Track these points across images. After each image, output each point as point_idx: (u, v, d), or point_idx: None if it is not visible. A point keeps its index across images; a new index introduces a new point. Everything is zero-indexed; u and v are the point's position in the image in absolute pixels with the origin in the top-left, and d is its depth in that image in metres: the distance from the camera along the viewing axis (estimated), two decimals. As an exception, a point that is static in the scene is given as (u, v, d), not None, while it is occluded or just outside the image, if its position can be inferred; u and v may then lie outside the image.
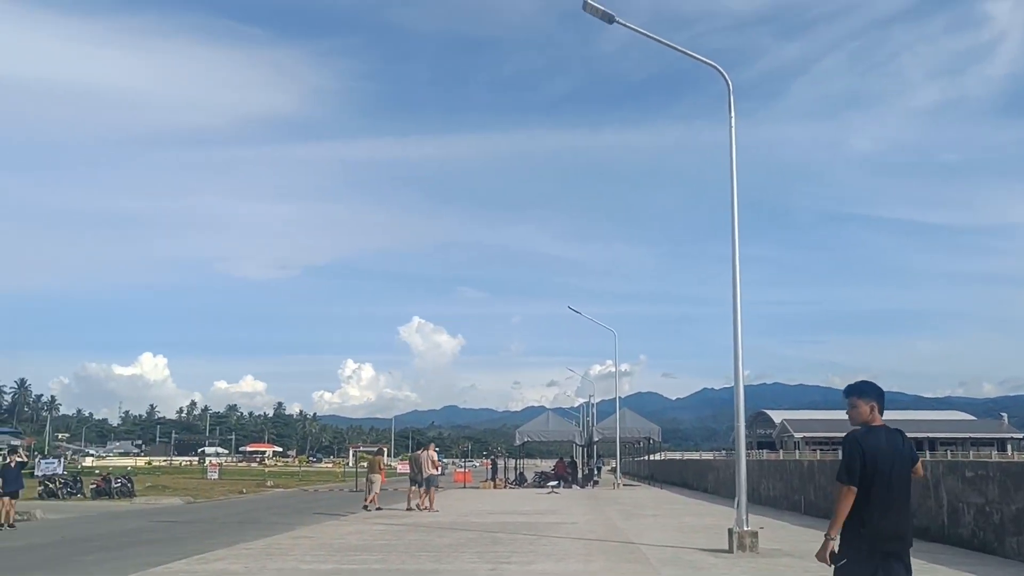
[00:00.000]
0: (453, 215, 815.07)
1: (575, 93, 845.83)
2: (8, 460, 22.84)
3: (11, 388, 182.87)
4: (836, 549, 5.26)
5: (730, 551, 13.55)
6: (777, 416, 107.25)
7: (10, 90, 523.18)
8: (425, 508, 23.34)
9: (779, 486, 27.38)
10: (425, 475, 23.78)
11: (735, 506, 13.98)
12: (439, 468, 25.62)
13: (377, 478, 25.17)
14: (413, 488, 24.51)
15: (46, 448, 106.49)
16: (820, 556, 5.31)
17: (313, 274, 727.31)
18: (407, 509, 23.81)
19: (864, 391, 5.53)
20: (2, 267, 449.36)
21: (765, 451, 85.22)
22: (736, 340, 14.40)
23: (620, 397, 44.40)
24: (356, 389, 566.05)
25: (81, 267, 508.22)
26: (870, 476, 5.23)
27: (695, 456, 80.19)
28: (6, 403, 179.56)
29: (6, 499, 21.01)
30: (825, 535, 5.31)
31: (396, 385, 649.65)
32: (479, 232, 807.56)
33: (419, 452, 25.44)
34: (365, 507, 24.41)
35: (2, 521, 20.88)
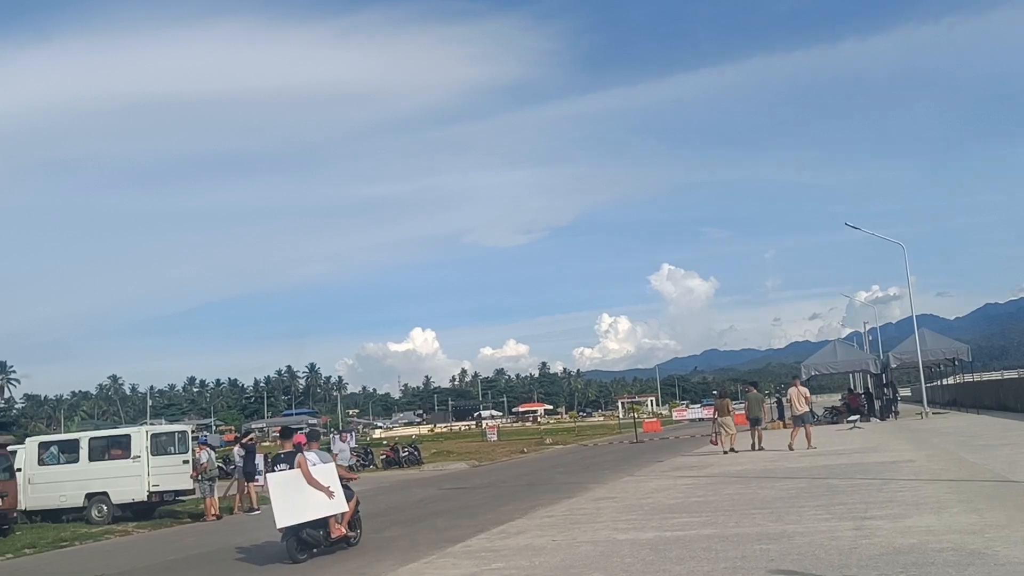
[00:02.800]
0: (692, 156, 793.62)
1: (803, 8, 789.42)
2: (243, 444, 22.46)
3: (303, 372, 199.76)
4: None
5: None
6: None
7: (263, 101, 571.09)
8: (760, 449, 23.33)
9: None
10: (799, 412, 23.40)
11: None
12: (811, 403, 25.13)
13: (730, 420, 24.41)
14: (757, 430, 24.45)
15: (340, 424, 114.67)
16: None
17: (558, 234, 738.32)
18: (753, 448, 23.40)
19: None
20: (283, 262, 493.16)
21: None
22: None
23: (892, 323, 39.69)
24: (615, 342, 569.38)
25: (347, 254, 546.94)
26: None
27: (995, 376, 71.57)
28: (301, 387, 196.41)
29: (249, 485, 20.76)
30: None
31: (654, 334, 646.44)
32: (720, 170, 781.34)
33: (754, 391, 27.41)
34: (733, 449, 23.50)
35: (243, 505, 20.73)
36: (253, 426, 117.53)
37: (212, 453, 20.57)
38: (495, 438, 54.56)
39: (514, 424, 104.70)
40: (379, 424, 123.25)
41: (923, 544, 8.03)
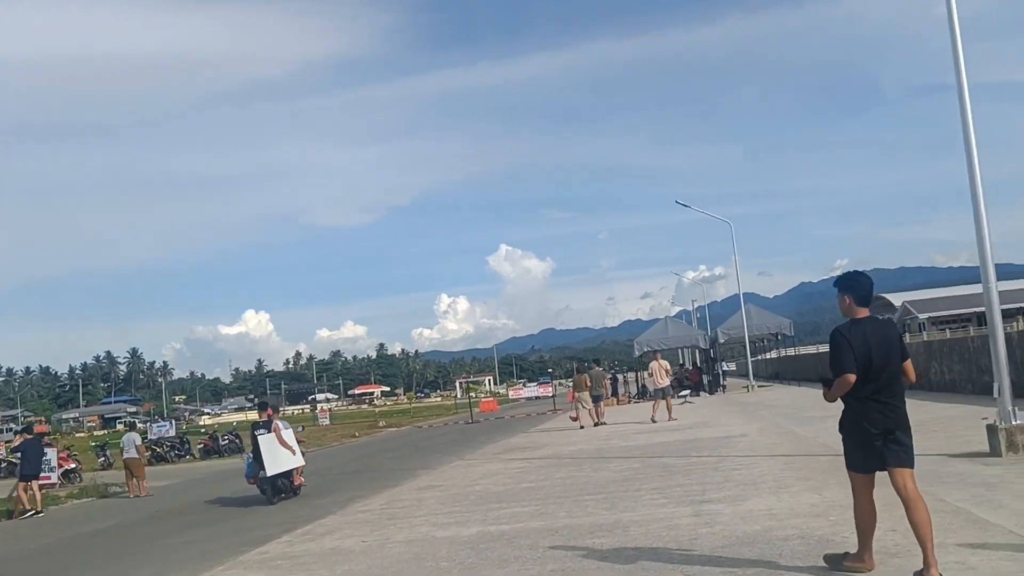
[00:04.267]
0: (530, 137, 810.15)
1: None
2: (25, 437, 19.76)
3: (124, 358, 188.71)
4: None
5: (995, 454, 10.11)
6: (896, 299, 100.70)
7: (85, 67, 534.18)
8: (602, 423, 23.45)
9: (958, 368, 23.63)
10: (660, 386, 23.77)
11: (995, 394, 10.46)
12: (671, 375, 25.95)
13: (587, 395, 24.59)
14: (600, 405, 24.56)
15: (165, 412, 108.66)
16: None
17: (397, 214, 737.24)
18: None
19: (839, 283, 5.37)
20: (105, 240, 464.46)
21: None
22: (975, 185, 10.67)
23: (717, 301, 40.82)
24: (453, 323, 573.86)
25: (175, 232, 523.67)
26: (862, 368, 5.11)
27: (812, 350, 75.41)
28: (122, 373, 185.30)
29: (32, 484, 18.26)
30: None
31: (492, 314, 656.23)
32: (558, 151, 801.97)
33: (597, 368, 26.97)
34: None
35: (28, 507, 18.14)
36: (65, 415, 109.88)
37: None
38: (327, 422, 52.63)
39: (350, 407, 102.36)
40: (207, 411, 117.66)
41: (767, 531, 7.27)
